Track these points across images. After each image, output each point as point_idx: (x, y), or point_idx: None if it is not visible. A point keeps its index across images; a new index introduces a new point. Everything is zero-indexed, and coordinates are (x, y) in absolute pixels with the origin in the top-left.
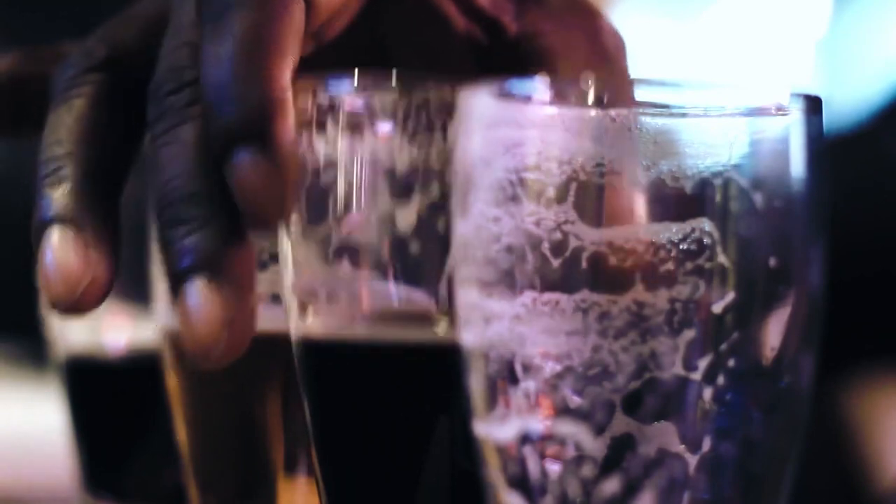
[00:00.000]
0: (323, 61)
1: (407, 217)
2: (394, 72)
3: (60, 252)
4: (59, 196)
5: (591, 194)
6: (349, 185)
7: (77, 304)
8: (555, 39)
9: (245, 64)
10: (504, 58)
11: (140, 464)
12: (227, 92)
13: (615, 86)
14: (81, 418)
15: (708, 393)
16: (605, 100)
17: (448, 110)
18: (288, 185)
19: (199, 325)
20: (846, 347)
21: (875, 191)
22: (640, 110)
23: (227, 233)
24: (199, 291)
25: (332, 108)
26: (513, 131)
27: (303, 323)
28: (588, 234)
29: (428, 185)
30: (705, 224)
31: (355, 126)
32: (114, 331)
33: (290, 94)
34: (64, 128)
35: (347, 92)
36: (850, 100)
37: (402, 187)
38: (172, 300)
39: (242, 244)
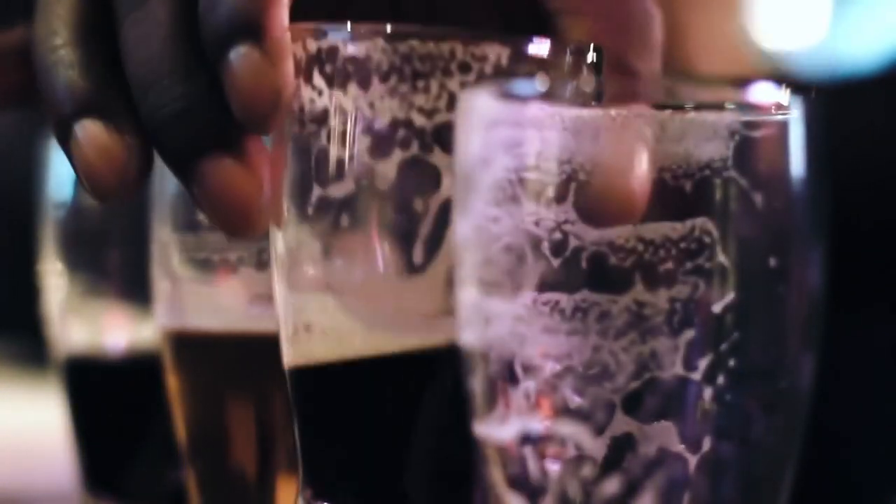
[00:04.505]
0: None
1: (387, 172)
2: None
3: (100, 143)
4: (73, 85)
5: (590, 194)
6: (331, 136)
7: (127, 189)
8: None
9: None
10: (523, 13)
11: (140, 464)
12: (231, 10)
13: (638, 57)
14: (81, 418)
15: (708, 393)
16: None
17: (433, 62)
18: (282, 80)
19: (229, 202)
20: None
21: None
22: (640, 109)
23: (222, 110)
24: (219, 170)
25: (321, 56)
26: (513, 131)
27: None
28: (588, 233)
29: (409, 139)
30: (705, 224)
31: (342, 77)
32: (114, 331)
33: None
34: (56, 18)
35: (337, 40)
36: (867, 44)
37: (383, 140)
38: (185, 184)
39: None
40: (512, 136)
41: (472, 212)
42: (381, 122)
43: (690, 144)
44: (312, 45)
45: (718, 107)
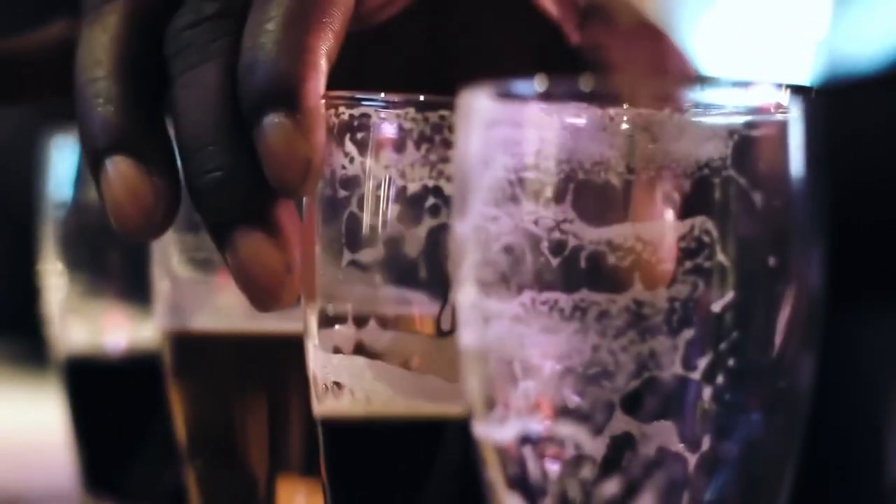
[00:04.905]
0: (380, 45)
1: (417, 239)
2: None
3: (129, 182)
4: (110, 120)
5: (589, 194)
6: (362, 202)
7: (152, 229)
8: (616, 54)
9: (284, 32)
10: (563, 65)
11: (140, 464)
12: (262, 57)
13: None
14: (81, 418)
15: (707, 392)
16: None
17: None
18: (313, 150)
19: (257, 276)
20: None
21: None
22: (639, 109)
23: (259, 180)
24: (250, 243)
25: (353, 124)
26: (512, 131)
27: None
28: (587, 233)
29: (438, 207)
30: (705, 223)
31: (373, 144)
32: (114, 331)
33: (323, 66)
34: (101, 47)
35: (369, 108)
36: (868, 44)
37: (413, 207)
38: (220, 250)
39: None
40: (511, 136)
41: (471, 212)
42: (412, 190)
43: (689, 144)
44: (345, 113)
45: (718, 106)
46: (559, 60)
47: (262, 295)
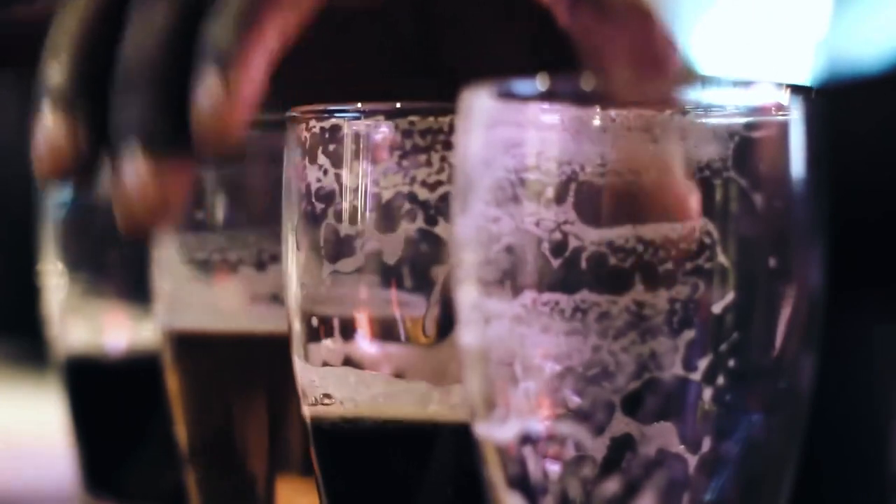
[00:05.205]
0: (361, 28)
1: (394, 246)
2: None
3: (50, 129)
4: (55, 71)
5: (590, 194)
6: (339, 213)
7: (65, 177)
8: (603, 38)
9: (239, 19)
10: (552, 49)
11: (140, 464)
12: (214, 39)
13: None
14: (81, 418)
15: (708, 393)
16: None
17: (434, 135)
18: (235, 111)
19: (131, 201)
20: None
21: None
22: (640, 110)
23: (172, 127)
24: (137, 163)
25: (325, 136)
26: (513, 131)
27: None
28: (588, 234)
29: (414, 213)
30: (705, 224)
31: (346, 155)
32: (114, 331)
33: (272, 44)
34: (74, 20)
35: (340, 120)
36: (869, 44)
37: (389, 214)
38: (112, 164)
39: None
40: (512, 137)
41: (472, 212)
42: (386, 198)
43: (690, 145)
44: (315, 126)
45: (718, 107)
46: (549, 46)
47: (128, 221)
